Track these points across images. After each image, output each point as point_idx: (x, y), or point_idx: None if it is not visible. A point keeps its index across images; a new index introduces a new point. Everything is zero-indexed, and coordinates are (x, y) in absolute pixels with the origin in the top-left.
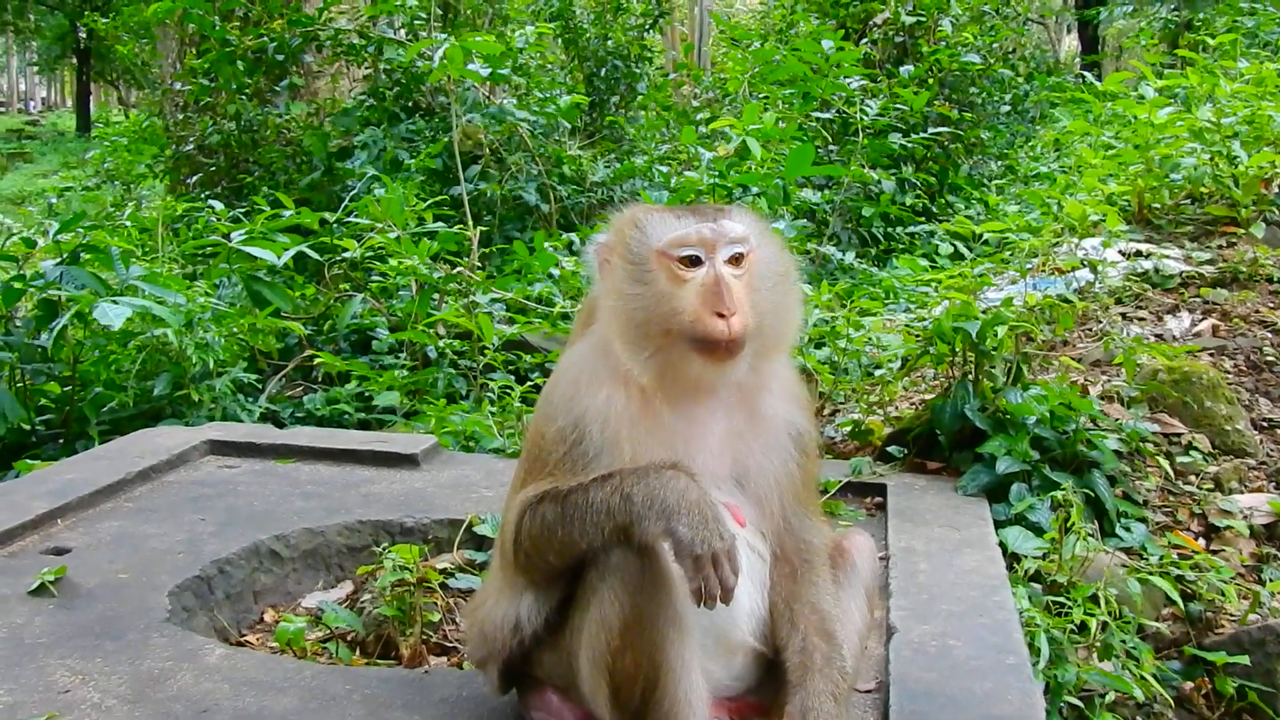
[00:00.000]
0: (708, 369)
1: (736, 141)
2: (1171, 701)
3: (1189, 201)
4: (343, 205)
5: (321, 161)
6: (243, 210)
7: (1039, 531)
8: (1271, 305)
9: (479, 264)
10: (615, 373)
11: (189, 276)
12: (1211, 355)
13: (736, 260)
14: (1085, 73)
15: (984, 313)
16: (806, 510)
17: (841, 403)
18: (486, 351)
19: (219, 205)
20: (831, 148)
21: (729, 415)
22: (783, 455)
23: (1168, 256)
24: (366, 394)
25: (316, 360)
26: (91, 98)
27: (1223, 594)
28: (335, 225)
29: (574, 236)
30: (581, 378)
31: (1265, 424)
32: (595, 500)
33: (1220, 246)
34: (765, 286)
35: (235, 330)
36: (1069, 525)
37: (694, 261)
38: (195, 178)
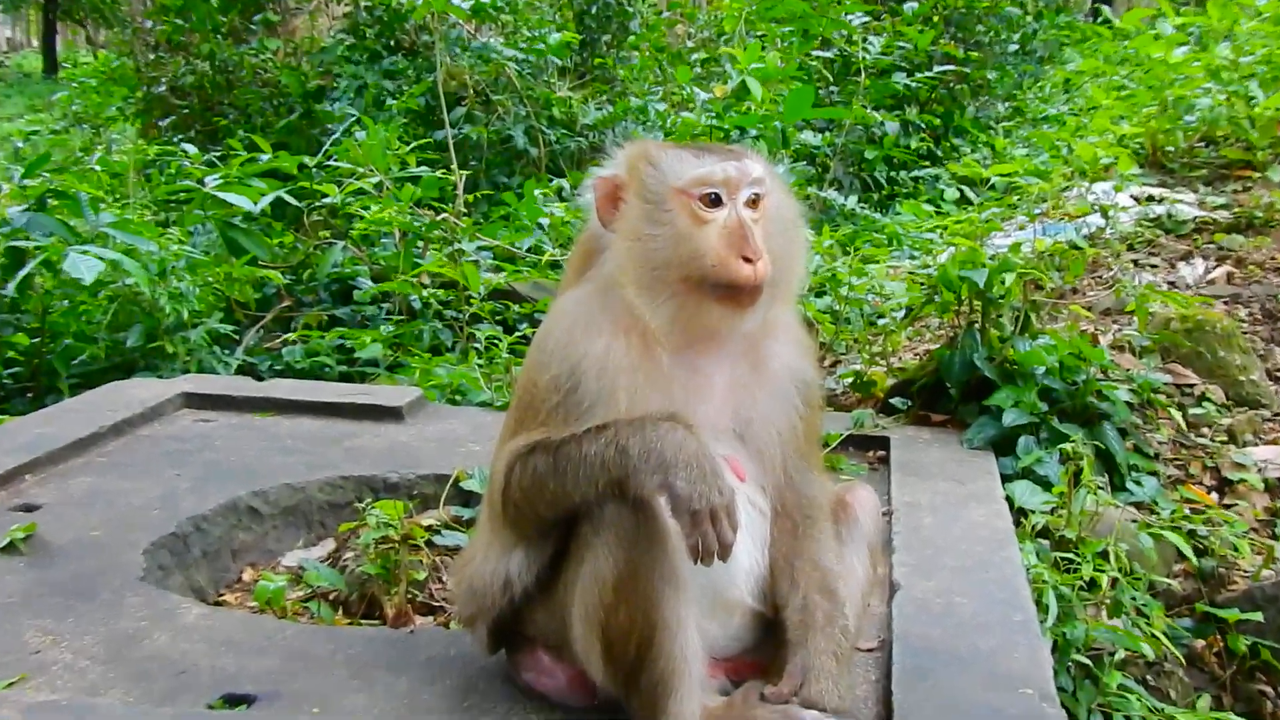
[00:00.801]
0: (727, 316)
1: (735, 82)
2: (1182, 660)
3: (1204, 144)
4: (322, 149)
5: (299, 103)
6: (217, 154)
7: (1047, 485)
8: None
9: (464, 210)
10: (616, 319)
11: (162, 223)
12: (1226, 303)
13: (754, 202)
14: (1101, 3)
15: (991, 259)
16: (809, 464)
17: (843, 353)
18: (473, 301)
19: (192, 149)
20: (832, 88)
21: (733, 365)
22: (786, 406)
23: (1181, 201)
24: (348, 345)
25: (297, 313)
26: (58, 37)
27: (1236, 549)
28: (314, 170)
29: (564, 183)
30: (578, 324)
31: None
32: (589, 452)
33: (1236, 191)
34: (777, 231)
35: (210, 280)
36: (1078, 479)
37: (714, 201)
38: (168, 120)
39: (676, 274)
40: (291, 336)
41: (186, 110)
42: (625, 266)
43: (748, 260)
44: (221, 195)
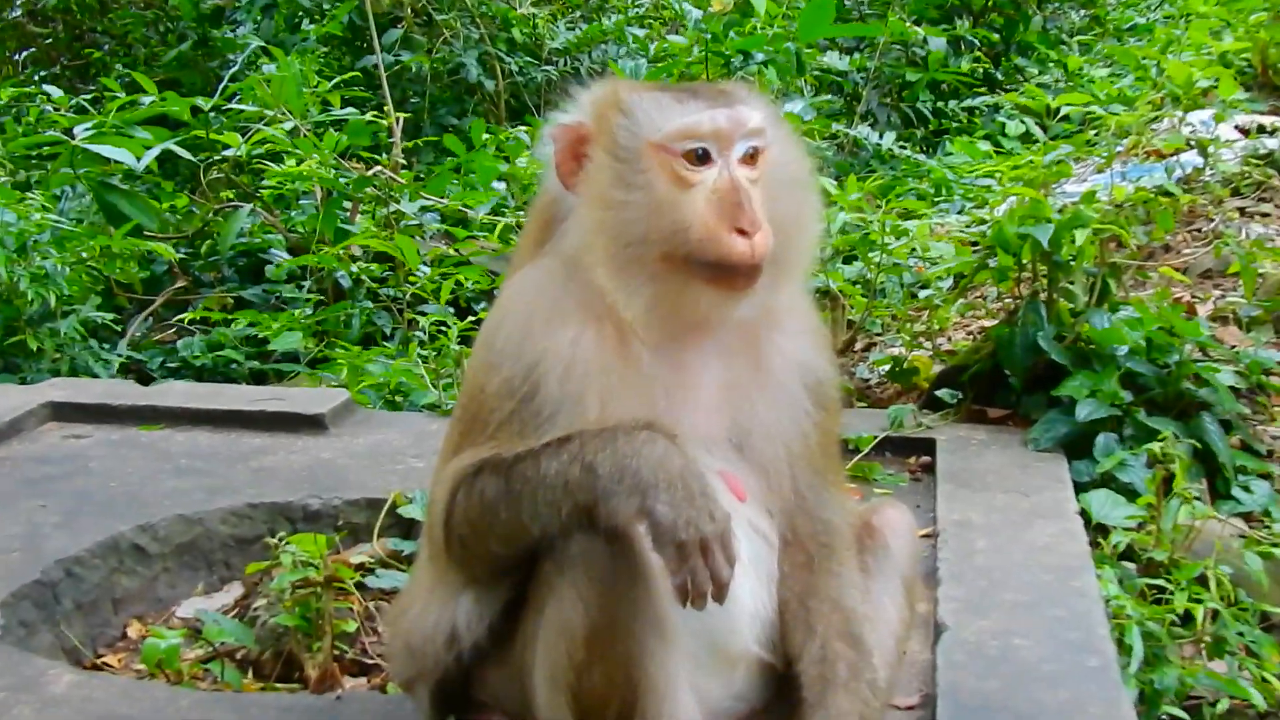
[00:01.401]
0: (718, 302)
1: None
2: None
3: None
4: (221, 87)
5: (192, 29)
6: (89, 97)
7: (1132, 495)
8: None
9: (403, 162)
10: (583, 305)
11: (20, 186)
12: None
13: (751, 159)
14: None
15: (1059, 212)
16: (825, 481)
17: (878, 334)
18: (414, 278)
19: (57, 91)
20: None
21: (727, 361)
22: (795, 411)
23: None
24: (260, 335)
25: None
26: None
27: None
28: (212, 114)
29: (524, 132)
30: (537, 312)
31: None
32: (549, 472)
33: None
34: (781, 193)
35: (84, 256)
36: (1170, 486)
37: (702, 158)
38: (25, 54)
39: (655, 251)
40: (186, 321)
41: (49, 41)
42: (592, 242)
43: (743, 233)
44: (95, 149)
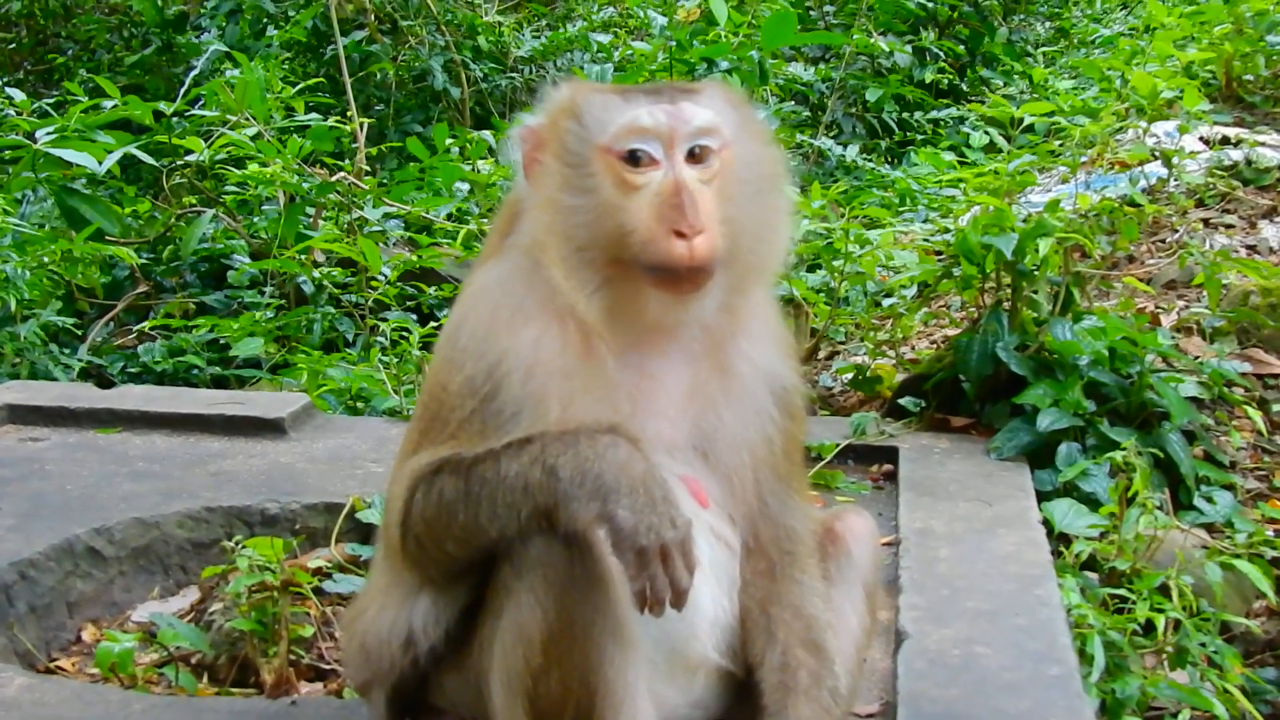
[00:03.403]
0: (669, 306)
1: None
2: None
3: None
4: (184, 92)
5: (155, 34)
6: (51, 101)
7: (1094, 505)
8: None
9: (367, 168)
10: (547, 303)
11: None
12: None
13: (698, 157)
14: None
15: (1023, 221)
16: (789, 488)
17: (841, 342)
18: (376, 284)
19: (19, 95)
20: (827, 8)
21: (692, 366)
22: (760, 417)
23: (1263, 144)
24: (221, 341)
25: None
26: None
27: None
28: (175, 119)
29: (489, 135)
30: (500, 310)
31: None
32: (509, 473)
33: None
34: (743, 194)
35: (45, 260)
36: (1132, 496)
37: (643, 160)
38: None
39: (604, 255)
40: (148, 326)
41: (12, 45)
42: (544, 242)
43: (681, 235)
44: (57, 153)
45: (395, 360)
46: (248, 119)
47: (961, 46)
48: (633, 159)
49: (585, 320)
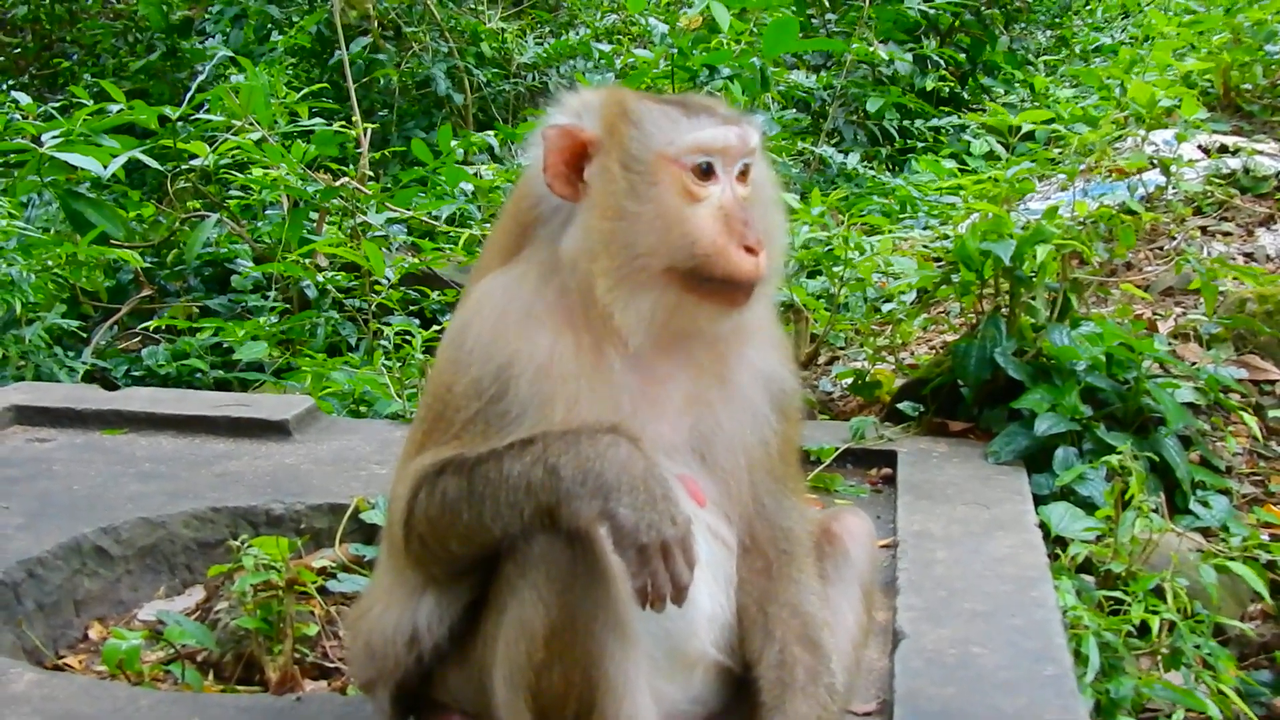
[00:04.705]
0: (716, 316)
1: (701, 4)
2: None
3: None
4: (189, 96)
5: (161, 39)
6: (57, 105)
7: (1090, 508)
8: None
9: (370, 173)
10: (562, 312)
11: None
12: None
13: (745, 174)
14: None
15: (1022, 228)
16: (785, 488)
17: (841, 348)
18: (380, 288)
19: (25, 99)
20: (829, 16)
21: (695, 371)
22: (757, 420)
23: (1261, 153)
24: (225, 345)
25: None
26: None
27: None
28: (180, 124)
29: (492, 139)
30: (510, 314)
31: None
32: (512, 472)
33: None
34: (764, 209)
35: (50, 263)
36: (1128, 500)
37: (708, 173)
38: None
39: (661, 263)
40: (152, 327)
41: (18, 50)
42: (595, 250)
43: (750, 250)
44: (62, 157)
45: (398, 364)
46: (252, 124)
47: (963, 55)
48: (703, 173)
49: (604, 327)
